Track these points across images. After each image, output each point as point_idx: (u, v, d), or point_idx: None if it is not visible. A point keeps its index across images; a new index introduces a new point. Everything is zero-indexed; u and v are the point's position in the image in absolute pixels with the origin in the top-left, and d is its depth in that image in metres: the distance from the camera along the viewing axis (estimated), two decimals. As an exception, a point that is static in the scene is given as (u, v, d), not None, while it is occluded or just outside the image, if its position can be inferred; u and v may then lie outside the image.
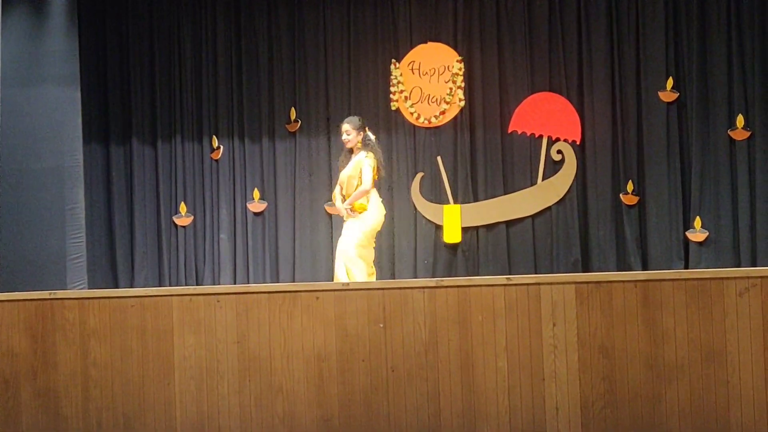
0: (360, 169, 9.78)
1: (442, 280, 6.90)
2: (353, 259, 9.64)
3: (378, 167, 9.91)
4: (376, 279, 9.97)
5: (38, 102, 10.59)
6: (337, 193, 10.06)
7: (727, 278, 6.50)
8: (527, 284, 6.70)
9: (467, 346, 6.67)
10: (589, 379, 6.54)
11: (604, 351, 6.54)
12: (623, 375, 6.51)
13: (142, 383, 6.97)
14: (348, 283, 7.02)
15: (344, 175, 9.92)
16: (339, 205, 9.99)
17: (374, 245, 10.00)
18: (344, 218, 9.92)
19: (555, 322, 6.60)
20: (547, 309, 6.63)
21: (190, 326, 6.93)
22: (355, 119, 10.07)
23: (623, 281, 6.63)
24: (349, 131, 9.87)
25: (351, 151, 10.00)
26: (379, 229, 10.02)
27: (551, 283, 6.68)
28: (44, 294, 7.27)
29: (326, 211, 11.89)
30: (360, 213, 9.78)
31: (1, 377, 7.11)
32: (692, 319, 6.48)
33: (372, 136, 10.04)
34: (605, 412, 6.51)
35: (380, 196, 10.08)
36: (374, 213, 9.85)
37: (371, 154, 9.85)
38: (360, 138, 9.86)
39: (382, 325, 6.75)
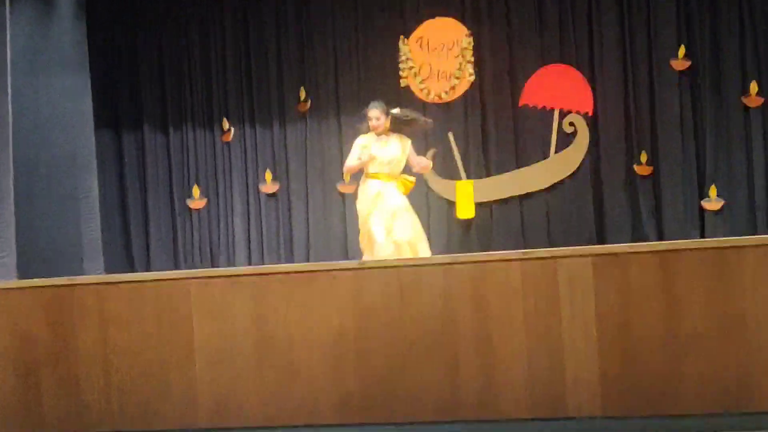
0: (406, 153, 9.56)
1: (458, 257, 6.89)
2: (420, 234, 9.58)
3: None
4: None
5: (48, 90, 10.59)
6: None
7: (746, 246, 6.47)
8: (543, 258, 6.68)
9: (484, 321, 6.65)
10: (608, 351, 6.52)
11: (623, 323, 6.52)
12: (642, 346, 6.49)
13: (162, 368, 6.98)
14: (364, 262, 7.01)
15: (393, 155, 9.54)
16: (425, 162, 9.86)
17: None
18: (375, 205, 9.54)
19: (572, 296, 6.58)
20: (564, 282, 6.60)
21: (207, 309, 6.93)
22: (381, 103, 9.70)
23: (640, 252, 6.60)
24: (380, 116, 9.52)
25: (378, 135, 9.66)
26: None
27: (568, 257, 6.65)
28: (62, 280, 7.28)
29: (339, 190, 11.89)
30: (408, 191, 9.60)
31: (21, 364, 7.12)
32: (711, 288, 6.45)
33: (397, 110, 9.67)
34: (625, 384, 6.49)
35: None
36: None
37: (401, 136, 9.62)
38: (388, 121, 9.53)
39: (398, 302, 6.74)
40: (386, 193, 9.46)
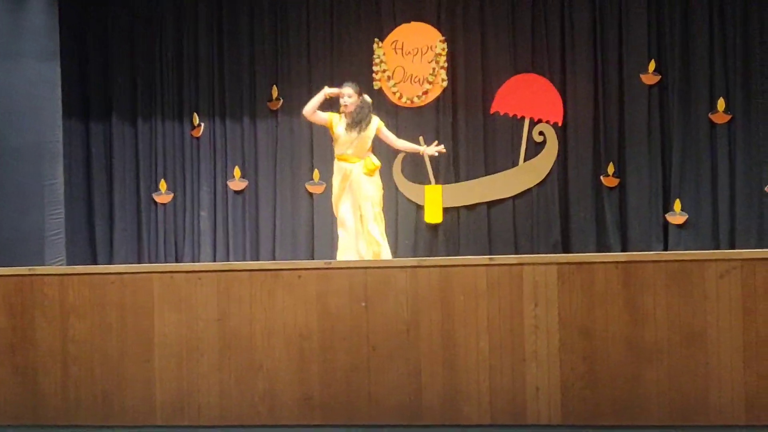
0: (376, 131, 9.85)
1: (424, 260, 6.89)
2: (380, 216, 9.79)
3: None
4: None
5: (17, 77, 10.50)
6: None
7: (708, 260, 6.53)
8: (509, 264, 6.71)
9: (449, 325, 6.67)
10: (570, 359, 6.56)
11: (585, 332, 6.55)
12: (603, 356, 6.53)
13: (122, 360, 6.95)
14: (330, 262, 7.00)
15: (352, 135, 9.76)
16: (429, 150, 10.18)
17: None
18: (343, 185, 9.83)
19: (537, 303, 6.61)
20: (529, 289, 6.64)
21: (170, 303, 6.90)
22: (355, 85, 9.95)
23: (605, 262, 6.64)
24: (352, 94, 9.77)
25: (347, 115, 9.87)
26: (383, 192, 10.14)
27: (533, 264, 6.68)
28: (23, 270, 7.23)
29: (307, 189, 11.87)
30: (372, 175, 9.80)
31: (-21, 353, 7.08)
32: (672, 300, 6.51)
33: (369, 99, 10.00)
34: (585, 393, 6.53)
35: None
36: (378, 176, 9.93)
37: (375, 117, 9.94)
38: (358, 102, 9.79)
39: (364, 304, 6.74)
40: (355, 179, 9.73)
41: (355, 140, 9.73)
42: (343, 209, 9.82)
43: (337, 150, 9.85)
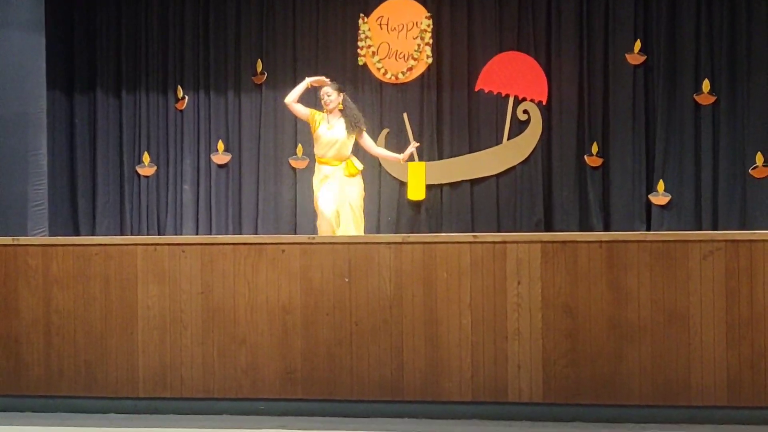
0: (354, 137, 9.71)
1: (408, 236, 6.90)
2: (359, 219, 9.71)
3: None
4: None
5: (2, 47, 10.44)
6: (371, 147, 10.06)
7: (692, 241, 6.55)
8: (493, 242, 6.72)
9: (432, 302, 6.68)
10: (552, 337, 6.58)
11: (568, 310, 6.58)
12: (586, 334, 6.56)
13: (105, 332, 6.94)
14: (314, 237, 6.99)
15: (336, 137, 9.64)
16: (400, 155, 10.03)
17: None
18: (321, 184, 9.73)
19: (519, 281, 6.63)
20: (512, 267, 6.65)
21: (154, 276, 6.90)
22: (334, 83, 9.85)
23: (588, 242, 6.66)
24: (330, 93, 9.67)
25: (329, 112, 9.76)
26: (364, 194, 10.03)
27: (517, 242, 6.70)
28: (7, 240, 7.20)
29: (290, 164, 11.86)
30: (354, 178, 9.71)
31: (-39, 322, 7.06)
32: (656, 280, 6.53)
33: (350, 100, 9.88)
34: (567, 371, 6.56)
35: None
36: (360, 178, 9.81)
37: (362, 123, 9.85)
38: (340, 99, 9.68)
39: (347, 280, 6.75)
40: (336, 182, 9.65)
41: (336, 143, 9.62)
42: (322, 205, 9.65)
43: (318, 151, 9.74)
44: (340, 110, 9.68)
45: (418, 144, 10.30)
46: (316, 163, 9.78)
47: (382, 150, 10.31)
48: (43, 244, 7.12)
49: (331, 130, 9.63)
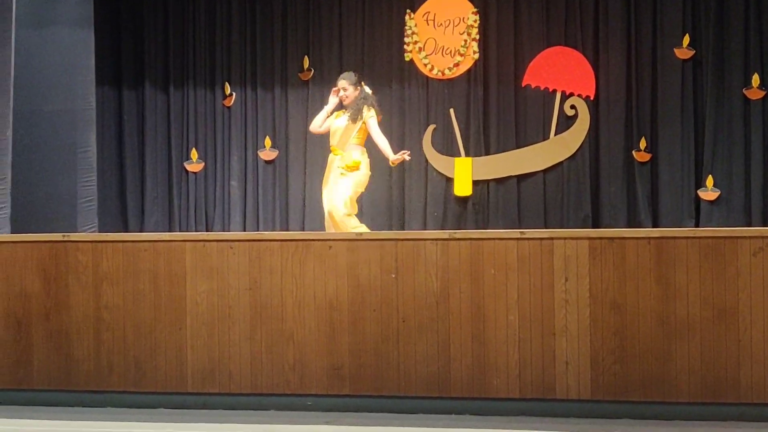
0: (363, 122, 9.48)
1: (455, 233, 6.89)
2: (344, 220, 9.43)
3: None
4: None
5: (52, 44, 10.55)
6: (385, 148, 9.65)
7: (742, 237, 6.49)
8: (540, 238, 6.69)
9: (479, 298, 6.67)
10: (600, 334, 6.55)
11: (616, 307, 6.54)
12: (634, 331, 6.52)
13: (154, 327, 6.99)
14: (361, 234, 7.01)
15: (340, 125, 9.57)
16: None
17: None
18: (328, 179, 9.64)
19: (567, 277, 6.60)
20: (560, 264, 6.62)
21: (202, 272, 6.93)
22: (351, 75, 9.77)
23: (637, 238, 6.62)
24: (347, 87, 9.56)
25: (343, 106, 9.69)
26: (362, 191, 9.74)
27: (564, 238, 6.67)
28: (57, 236, 7.27)
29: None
30: (352, 171, 9.48)
31: (13, 317, 7.13)
32: (705, 277, 6.48)
33: (369, 90, 9.77)
34: (615, 368, 6.52)
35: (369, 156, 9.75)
36: (363, 172, 9.57)
37: (371, 108, 9.60)
38: (357, 93, 9.57)
39: (394, 276, 6.75)
40: (333, 173, 9.58)
41: (338, 131, 9.52)
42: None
43: (329, 141, 9.68)
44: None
45: (410, 156, 9.83)
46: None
47: (381, 141, 9.61)
48: (93, 240, 7.19)
49: (338, 119, 9.58)
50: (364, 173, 9.57)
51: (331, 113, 9.63)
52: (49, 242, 7.19)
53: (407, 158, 9.71)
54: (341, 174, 9.50)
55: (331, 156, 9.66)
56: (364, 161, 9.57)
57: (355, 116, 9.51)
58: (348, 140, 9.52)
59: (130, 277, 7.02)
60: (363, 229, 9.32)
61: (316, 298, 6.84)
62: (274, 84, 12.13)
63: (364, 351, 6.78)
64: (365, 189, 9.77)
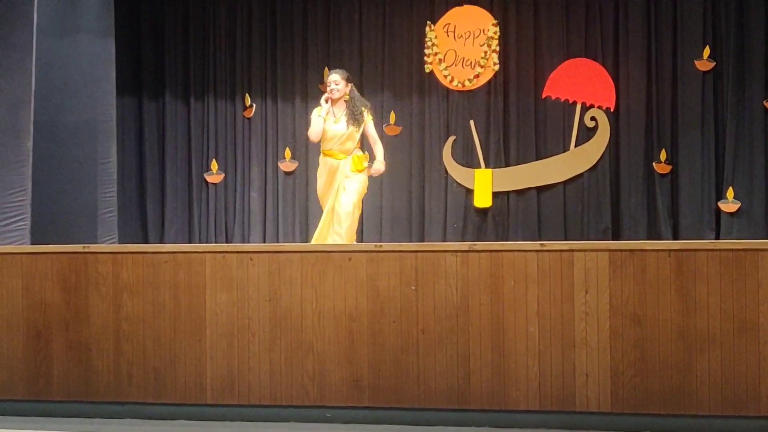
0: (362, 125, 9.37)
1: (475, 244, 6.87)
2: (350, 226, 9.35)
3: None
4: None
5: (73, 54, 10.59)
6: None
7: (763, 250, 6.46)
8: (560, 250, 6.68)
9: (498, 310, 6.66)
10: (620, 347, 6.53)
11: (636, 319, 6.52)
12: (654, 344, 6.49)
13: (174, 338, 6.99)
14: (381, 245, 6.99)
15: (341, 130, 9.37)
16: (378, 167, 9.49)
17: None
18: (329, 182, 9.46)
19: (587, 289, 6.58)
20: (580, 276, 6.60)
21: (222, 283, 6.94)
22: (342, 71, 9.64)
23: (657, 250, 6.59)
24: (338, 81, 9.36)
25: (332, 103, 9.45)
26: (366, 192, 9.66)
27: (585, 250, 6.65)
28: (78, 247, 7.29)
29: (357, 171, 11.89)
30: (360, 172, 9.40)
31: (33, 328, 7.15)
32: (725, 289, 6.45)
33: (356, 91, 9.58)
34: (635, 380, 6.50)
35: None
36: (365, 176, 9.48)
37: (370, 112, 9.52)
38: (347, 90, 9.41)
39: (414, 287, 6.75)
40: (340, 176, 9.39)
41: (341, 136, 9.36)
42: (322, 199, 9.54)
43: (324, 145, 9.46)
44: (345, 101, 9.42)
45: (383, 169, 9.60)
46: (321, 156, 9.52)
47: (379, 146, 9.51)
48: (113, 251, 7.20)
49: (336, 124, 9.38)
50: (366, 177, 9.50)
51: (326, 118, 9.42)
52: (69, 253, 7.20)
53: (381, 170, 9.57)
54: (346, 177, 9.36)
55: (330, 161, 9.42)
56: (366, 164, 9.48)
57: (358, 120, 9.38)
58: (352, 144, 9.39)
59: (149, 289, 7.03)
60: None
61: (336, 309, 6.83)
62: (294, 95, 12.15)
63: (384, 362, 6.77)
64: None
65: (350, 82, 9.49)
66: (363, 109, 9.44)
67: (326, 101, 9.45)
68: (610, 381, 6.53)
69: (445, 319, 6.71)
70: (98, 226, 10.67)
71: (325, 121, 9.40)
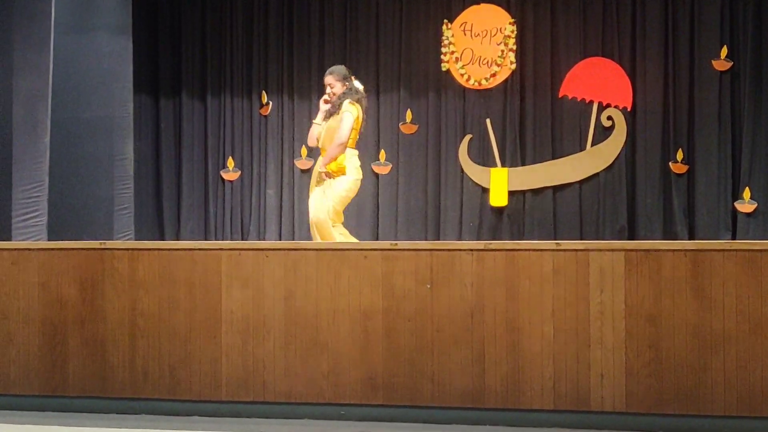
0: (335, 122, 8.70)
1: (491, 243, 6.87)
2: (330, 232, 8.71)
3: (359, 119, 8.83)
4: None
5: (90, 51, 10.62)
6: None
7: (780, 250, 6.44)
8: (576, 250, 6.66)
9: (514, 310, 6.65)
10: (635, 347, 6.51)
11: (652, 319, 6.50)
12: (670, 344, 6.48)
13: (189, 335, 7.00)
14: (396, 243, 6.98)
15: (320, 126, 8.93)
16: (317, 168, 8.85)
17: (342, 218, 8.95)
18: (313, 184, 8.92)
19: (603, 289, 6.57)
20: (596, 275, 6.59)
21: (238, 281, 6.95)
22: (341, 68, 9.05)
23: (673, 250, 6.58)
24: (333, 84, 8.80)
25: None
26: (352, 196, 8.92)
27: (600, 250, 6.64)
28: (95, 244, 7.30)
29: (372, 170, 11.89)
30: (336, 176, 8.71)
31: (49, 324, 7.17)
32: (741, 290, 6.43)
33: (360, 86, 9.00)
34: (650, 380, 6.48)
35: (359, 159, 9.00)
36: (350, 177, 8.75)
37: (355, 104, 8.76)
38: (344, 88, 8.80)
39: (429, 286, 6.74)
40: (315, 177, 8.93)
41: (322, 131, 8.83)
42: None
43: (319, 144, 8.99)
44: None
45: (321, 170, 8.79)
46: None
47: (339, 140, 8.64)
48: (129, 248, 7.21)
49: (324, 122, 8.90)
50: (353, 179, 8.80)
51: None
52: (85, 249, 7.21)
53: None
54: (322, 179, 8.77)
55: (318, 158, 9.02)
56: (352, 165, 8.76)
57: (328, 115, 8.82)
58: (330, 141, 8.74)
59: (165, 285, 7.04)
60: (349, 239, 8.84)
61: (351, 307, 6.83)
62: (311, 93, 12.16)
63: (399, 361, 6.77)
64: (356, 194, 9.05)
65: (347, 80, 8.89)
66: (345, 100, 8.75)
67: (324, 103, 8.97)
68: (624, 381, 6.51)
69: (460, 317, 6.70)
70: (114, 222, 10.70)
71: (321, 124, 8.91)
